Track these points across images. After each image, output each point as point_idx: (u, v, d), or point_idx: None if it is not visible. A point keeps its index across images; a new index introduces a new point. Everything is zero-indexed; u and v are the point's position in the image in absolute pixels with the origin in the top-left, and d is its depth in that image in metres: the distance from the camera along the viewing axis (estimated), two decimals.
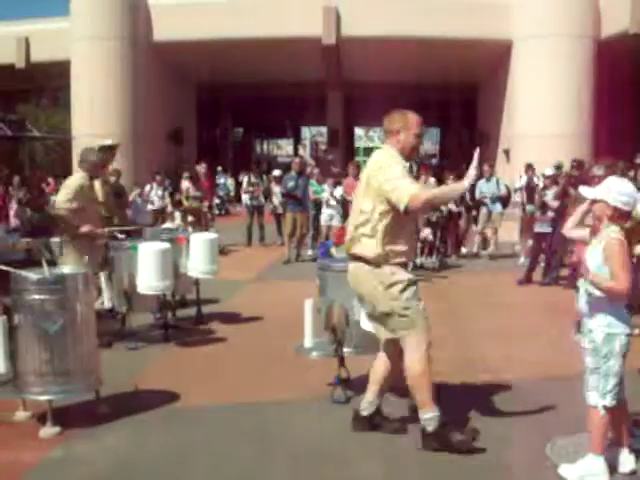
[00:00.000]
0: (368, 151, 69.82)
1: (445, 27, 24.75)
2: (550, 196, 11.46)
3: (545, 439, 4.65)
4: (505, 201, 15.07)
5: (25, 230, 12.57)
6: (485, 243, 14.95)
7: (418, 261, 12.32)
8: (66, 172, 7.38)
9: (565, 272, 11.13)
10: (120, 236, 8.01)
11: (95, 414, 5.18)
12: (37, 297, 4.86)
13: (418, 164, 12.64)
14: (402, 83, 30.07)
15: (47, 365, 4.86)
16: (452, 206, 13.51)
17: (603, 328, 4.01)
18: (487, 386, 5.66)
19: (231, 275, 10.86)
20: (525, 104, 24.68)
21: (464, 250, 14.86)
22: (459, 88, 31.11)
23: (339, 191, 14.66)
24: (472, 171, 4.50)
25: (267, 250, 15.97)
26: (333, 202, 14.60)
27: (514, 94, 25.69)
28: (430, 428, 4.54)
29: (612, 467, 4.10)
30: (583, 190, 4.30)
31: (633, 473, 4.14)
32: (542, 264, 11.51)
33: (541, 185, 12.33)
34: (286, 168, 18.46)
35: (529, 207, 13.09)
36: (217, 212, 21.11)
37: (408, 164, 4.74)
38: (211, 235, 8.81)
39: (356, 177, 14.99)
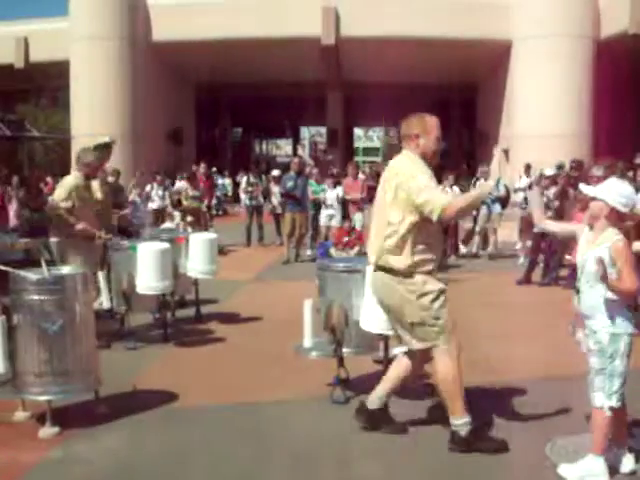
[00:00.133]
0: (367, 151, 70.05)
1: (445, 27, 24.78)
2: (549, 196, 11.45)
3: (545, 439, 4.64)
4: (504, 201, 15.04)
5: (24, 230, 12.56)
6: (485, 243, 14.94)
7: None
8: (65, 172, 7.38)
9: (564, 272, 11.12)
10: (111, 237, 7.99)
11: (94, 414, 5.17)
12: (36, 297, 4.85)
13: None
14: (401, 83, 30.08)
15: (46, 365, 4.86)
16: None
17: (608, 328, 4.01)
18: (486, 386, 5.66)
19: (230, 275, 10.85)
20: (524, 104, 24.72)
21: (464, 250, 14.84)
22: (459, 88, 31.17)
23: (339, 191, 14.66)
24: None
25: (266, 250, 15.96)
26: (334, 203, 14.59)
27: (513, 94, 25.73)
28: (462, 433, 4.53)
29: (612, 467, 4.10)
30: (583, 187, 4.32)
31: (633, 473, 4.14)
32: (541, 264, 11.50)
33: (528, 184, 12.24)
34: (285, 168, 18.45)
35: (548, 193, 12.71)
36: (215, 212, 21.08)
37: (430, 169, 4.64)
38: (210, 235, 8.80)
39: (355, 177, 15.07)
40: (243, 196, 17.68)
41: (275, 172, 17.52)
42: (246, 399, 5.69)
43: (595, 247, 4.02)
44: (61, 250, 7.38)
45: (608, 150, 18.61)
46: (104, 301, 7.35)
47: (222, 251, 12.96)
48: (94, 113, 25.25)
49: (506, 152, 25.97)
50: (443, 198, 4.41)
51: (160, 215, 16.53)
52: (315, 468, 4.43)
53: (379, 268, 4.64)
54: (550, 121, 23.96)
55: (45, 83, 30.02)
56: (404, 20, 25.01)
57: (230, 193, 28.09)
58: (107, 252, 7.81)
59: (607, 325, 4.01)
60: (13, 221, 14.07)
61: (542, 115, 24.04)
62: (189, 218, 14.31)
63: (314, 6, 25.89)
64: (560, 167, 13.49)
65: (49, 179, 21.48)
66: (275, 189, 16.43)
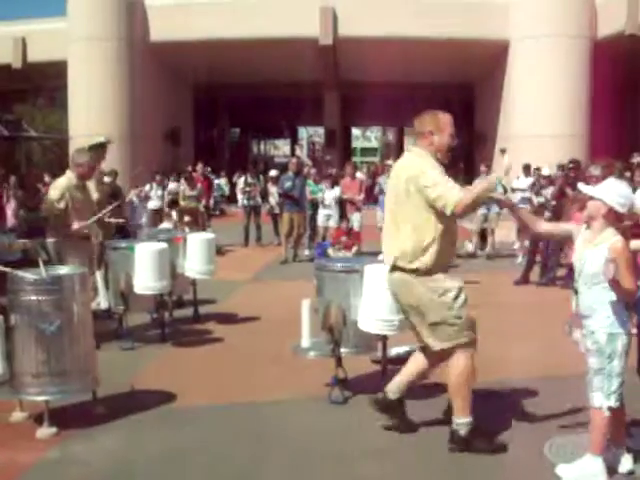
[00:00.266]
0: (365, 151, 70.10)
1: (442, 27, 24.77)
2: (547, 196, 11.48)
3: (543, 439, 4.65)
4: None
5: (22, 230, 12.54)
6: (482, 243, 14.94)
7: None
8: (63, 172, 7.34)
9: (562, 272, 11.13)
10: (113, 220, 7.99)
11: (92, 414, 5.17)
12: (34, 297, 4.85)
13: None
14: (399, 83, 30.07)
15: (44, 366, 4.85)
16: None
17: (605, 329, 4.01)
18: (484, 386, 5.65)
19: (228, 275, 10.85)
20: (522, 104, 24.72)
21: (469, 248, 14.80)
22: (456, 88, 31.15)
23: (336, 191, 14.66)
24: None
25: (264, 250, 15.96)
26: (332, 203, 14.60)
27: (511, 94, 25.72)
28: (462, 433, 4.53)
29: (610, 467, 4.10)
30: (582, 187, 4.34)
31: (631, 473, 4.14)
32: (539, 264, 11.51)
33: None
34: (283, 168, 18.45)
35: (539, 198, 12.64)
36: (212, 212, 21.07)
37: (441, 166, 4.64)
38: (208, 235, 8.80)
39: (353, 177, 15.08)
40: (240, 196, 17.68)
41: (273, 172, 17.54)
42: (244, 399, 5.69)
43: (593, 247, 4.02)
44: (58, 250, 7.36)
45: (605, 150, 18.62)
46: (102, 301, 7.34)
47: (220, 251, 12.95)
48: (92, 113, 25.20)
49: (503, 152, 25.95)
50: (455, 193, 4.39)
51: (158, 215, 16.52)
52: (313, 468, 4.43)
53: (398, 268, 4.60)
54: (547, 121, 23.96)
55: (43, 83, 29.98)
56: (402, 20, 25.00)
57: (227, 193, 28.08)
58: (105, 252, 7.80)
59: (605, 325, 4.01)
60: (11, 221, 14.07)
61: (540, 115, 24.04)
62: (187, 218, 14.32)
63: (312, 6, 25.87)
64: (561, 167, 13.47)
65: (47, 178, 21.47)
66: (273, 189, 16.45)
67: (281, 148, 60.14)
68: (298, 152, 46.82)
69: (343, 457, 4.56)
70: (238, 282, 11.36)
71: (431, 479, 4.35)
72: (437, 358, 4.71)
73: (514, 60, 25.57)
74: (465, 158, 28.24)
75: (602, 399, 4.02)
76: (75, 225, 7.23)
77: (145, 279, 7.14)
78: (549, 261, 11.24)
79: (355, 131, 58.81)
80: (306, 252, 14.71)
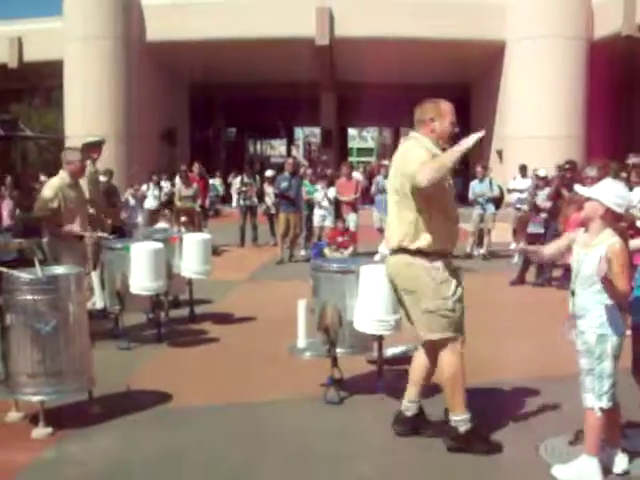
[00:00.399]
0: (361, 152, 70.02)
1: (438, 28, 24.78)
2: (543, 197, 11.49)
3: (538, 439, 4.65)
4: (498, 202, 15.08)
5: (18, 230, 12.53)
6: (479, 244, 14.95)
7: None
8: (58, 172, 7.35)
9: (558, 273, 11.14)
10: (107, 236, 7.96)
11: (88, 414, 5.16)
12: (29, 297, 4.84)
13: None
14: (395, 84, 30.08)
15: (39, 366, 4.84)
16: None
17: (595, 329, 4.02)
18: (480, 386, 5.66)
19: (224, 275, 10.85)
20: (518, 105, 24.75)
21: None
22: (452, 89, 31.08)
23: (332, 192, 14.67)
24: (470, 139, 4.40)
25: (260, 250, 15.96)
26: (326, 203, 14.60)
27: (507, 95, 25.75)
28: (461, 430, 4.53)
29: (605, 468, 4.11)
30: (578, 188, 4.34)
31: (626, 474, 4.15)
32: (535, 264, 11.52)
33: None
34: (279, 168, 18.46)
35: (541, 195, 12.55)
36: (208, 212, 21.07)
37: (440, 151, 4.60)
38: (204, 235, 8.80)
39: (349, 177, 15.07)
40: (235, 196, 17.68)
41: (269, 172, 17.55)
42: (240, 399, 5.69)
43: (591, 249, 4.02)
44: (53, 250, 7.34)
45: (601, 151, 18.66)
46: (97, 301, 7.34)
47: (216, 251, 12.95)
48: (88, 113, 25.17)
49: (499, 153, 26.00)
50: (420, 161, 4.37)
51: (155, 215, 16.52)
52: (309, 468, 4.43)
53: (399, 251, 4.59)
54: (543, 122, 23.99)
55: (39, 83, 29.94)
56: (398, 21, 25.00)
57: (221, 194, 28.08)
58: (101, 252, 7.79)
59: (595, 326, 4.02)
60: (7, 221, 14.06)
61: (536, 116, 24.07)
62: (183, 218, 14.31)
63: (308, 6, 25.87)
64: (561, 167, 13.47)
65: (43, 178, 21.46)
66: (269, 189, 16.45)
67: (277, 148, 60.07)
68: (294, 152, 46.85)
69: (339, 457, 4.56)
70: (234, 282, 11.36)
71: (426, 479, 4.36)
72: (433, 350, 4.67)
73: (510, 61, 25.60)
74: (461, 158, 28.20)
75: (594, 400, 4.03)
76: (67, 227, 7.21)
77: (141, 279, 7.14)
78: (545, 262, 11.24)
79: (351, 131, 58.78)
80: (302, 252, 14.71)
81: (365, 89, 30.31)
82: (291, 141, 51.34)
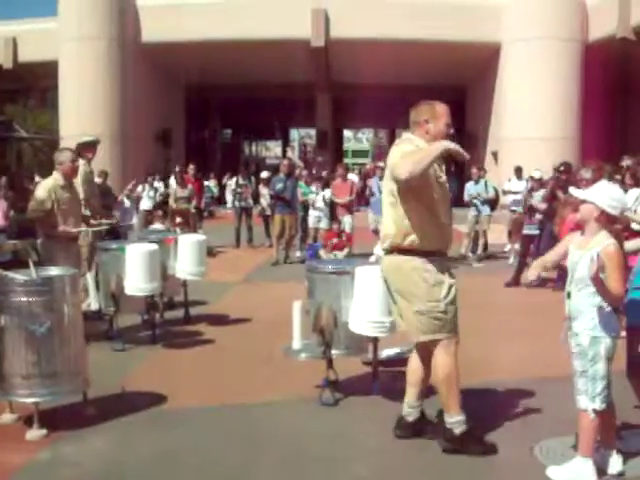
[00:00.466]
0: (357, 153, 70.08)
1: (434, 30, 24.82)
2: (538, 199, 11.51)
3: (533, 440, 4.66)
4: (493, 203, 15.10)
5: (12, 231, 12.50)
6: (474, 245, 14.96)
7: None
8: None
9: (553, 274, 11.14)
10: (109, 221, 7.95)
11: (82, 416, 5.15)
12: (24, 299, 4.82)
13: None
14: (390, 85, 30.12)
15: (34, 367, 4.83)
16: None
17: (588, 331, 4.02)
18: (475, 387, 5.66)
19: (219, 277, 10.84)
20: (513, 107, 24.80)
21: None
22: (447, 90, 31.10)
23: (327, 193, 14.68)
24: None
25: (255, 252, 15.95)
26: (321, 204, 14.61)
27: (502, 96, 25.79)
28: (456, 431, 4.53)
29: (600, 469, 4.11)
30: (573, 191, 4.35)
31: (621, 475, 4.15)
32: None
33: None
34: (275, 170, 18.45)
35: (537, 196, 12.53)
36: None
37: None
38: (199, 236, 8.79)
39: (344, 179, 15.08)
40: (229, 197, 17.68)
41: (264, 174, 17.55)
42: (235, 400, 5.68)
43: (586, 251, 4.02)
44: (47, 251, 7.32)
45: (596, 153, 18.71)
46: (92, 302, 7.31)
47: (211, 253, 12.94)
48: (82, 114, 25.14)
49: (495, 154, 26.04)
50: (401, 157, 4.38)
51: (150, 216, 16.50)
52: (304, 469, 4.42)
53: (393, 250, 4.60)
54: (539, 124, 24.04)
55: (34, 83, 29.90)
56: (394, 22, 25.04)
57: (216, 195, 28.07)
58: (95, 253, 7.77)
59: (588, 328, 4.02)
60: (1, 222, 14.01)
61: (531, 118, 24.12)
62: (178, 219, 14.29)
63: (304, 8, 25.89)
64: (557, 169, 13.48)
65: (38, 179, 21.41)
66: (264, 191, 16.45)
67: (273, 149, 60.15)
68: (290, 154, 46.88)
69: (334, 459, 4.55)
70: (229, 283, 11.35)
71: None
72: (427, 352, 4.67)
73: (506, 63, 25.66)
74: (456, 161, 28.24)
75: (587, 402, 4.03)
76: (60, 228, 7.19)
77: (136, 280, 7.13)
78: None
79: (347, 133, 58.86)
80: (297, 254, 14.71)
81: (361, 90, 30.34)
82: (286, 142, 51.42)
